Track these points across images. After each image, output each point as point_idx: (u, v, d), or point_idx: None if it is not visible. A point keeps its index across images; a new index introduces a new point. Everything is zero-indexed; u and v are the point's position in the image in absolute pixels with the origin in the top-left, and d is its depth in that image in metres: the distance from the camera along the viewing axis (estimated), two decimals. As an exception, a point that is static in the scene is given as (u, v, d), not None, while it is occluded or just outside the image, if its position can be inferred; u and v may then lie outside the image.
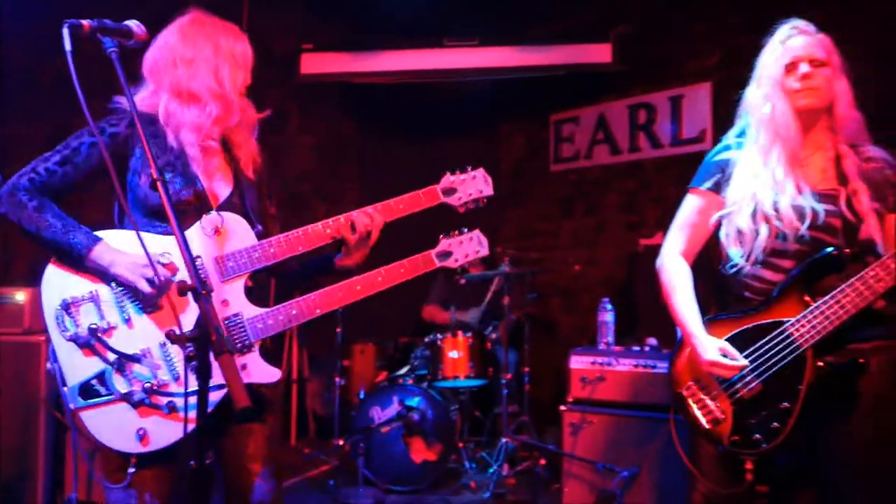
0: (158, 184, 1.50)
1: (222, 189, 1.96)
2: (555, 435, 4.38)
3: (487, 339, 4.62)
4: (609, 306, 3.73)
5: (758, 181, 2.07)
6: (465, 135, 6.44)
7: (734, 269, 2.14)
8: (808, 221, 2.01)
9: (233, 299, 1.84)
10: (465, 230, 2.11)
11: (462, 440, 4.53)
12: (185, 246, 1.45)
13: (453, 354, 4.38)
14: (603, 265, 5.66)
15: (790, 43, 2.09)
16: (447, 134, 6.36)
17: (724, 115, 5.28)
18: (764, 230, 2.04)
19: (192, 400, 1.40)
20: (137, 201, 1.84)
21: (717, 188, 2.17)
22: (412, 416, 4.18)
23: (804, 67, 2.04)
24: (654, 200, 5.42)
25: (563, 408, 3.53)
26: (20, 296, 3.91)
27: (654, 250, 5.11)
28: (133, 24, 1.76)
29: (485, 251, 2.10)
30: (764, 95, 2.11)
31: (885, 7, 4.14)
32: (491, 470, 4.33)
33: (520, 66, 5.47)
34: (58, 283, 1.77)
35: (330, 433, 4.70)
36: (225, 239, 1.85)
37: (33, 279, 4.29)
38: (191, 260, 1.44)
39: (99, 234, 1.80)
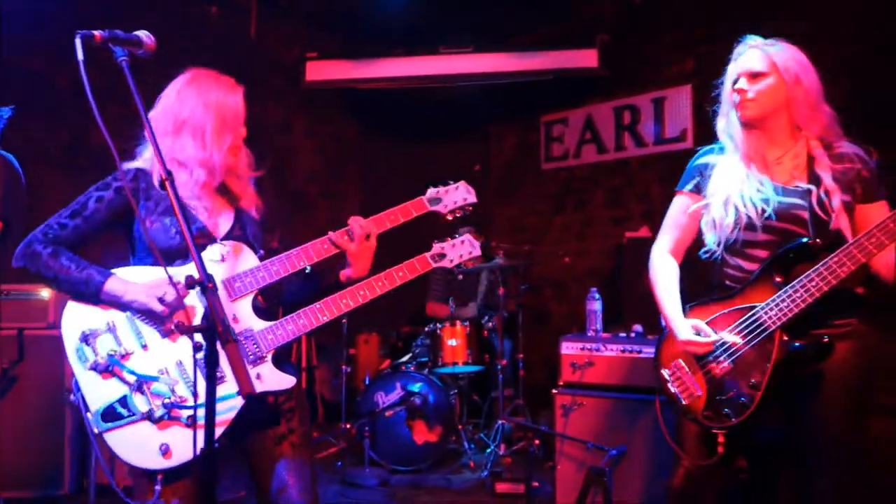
0: (167, 183, 1.48)
1: (224, 225, 1.97)
2: (548, 416, 4.37)
3: (484, 328, 4.61)
4: (597, 296, 3.71)
5: (729, 178, 2.12)
6: (460, 136, 6.43)
7: (707, 255, 2.21)
8: (771, 211, 2.04)
9: (242, 316, 1.85)
10: (458, 234, 2.14)
11: (461, 422, 4.52)
12: (191, 239, 1.43)
13: (452, 342, 4.37)
14: (591, 257, 5.65)
15: (739, 60, 2.14)
16: (443, 136, 6.35)
17: (704, 115, 5.30)
18: (731, 216, 2.08)
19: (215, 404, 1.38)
20: (146, 246, 1.86)
21: (698, 189, 2.22)
22: (414, 400, 4.17)
23: (741, 83, 2.10)
24: (638, 196, 5.40)
25: (554, 391, 3.51)
26: (45, 293, 3.90)
27: (639, 242, 5.14)
28: (143, 34, 1.74)
29: (477, 252, 2.11)
30: (722, 110, 2.21)
31: (842, 19, 4.14)
32: (488, 450, 4.32)
33: (512, 71, 5.45)
34: (76, 318, 1.79)
35: (337, 417, 4.69)
36: (231, 264, 1.87)
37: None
38: (197, 254, 1.42)
39: (109, 271, 1.82)
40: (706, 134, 2.32)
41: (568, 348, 3.56)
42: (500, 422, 4.35)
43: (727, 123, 2.17)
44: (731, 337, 2.05)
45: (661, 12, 5.19)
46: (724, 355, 2.05)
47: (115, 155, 1.56)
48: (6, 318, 3.60)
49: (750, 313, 2.03)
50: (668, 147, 5.18)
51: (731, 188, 2.10)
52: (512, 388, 4.81)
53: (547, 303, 5.90)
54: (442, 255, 2.08)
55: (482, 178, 6.01)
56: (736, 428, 2.03)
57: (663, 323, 2.21)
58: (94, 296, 1.77)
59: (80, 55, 1.60)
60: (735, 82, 2.12)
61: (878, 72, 3.96)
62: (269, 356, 1.84)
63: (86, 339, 1.76)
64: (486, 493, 3.86)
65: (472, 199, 2.15)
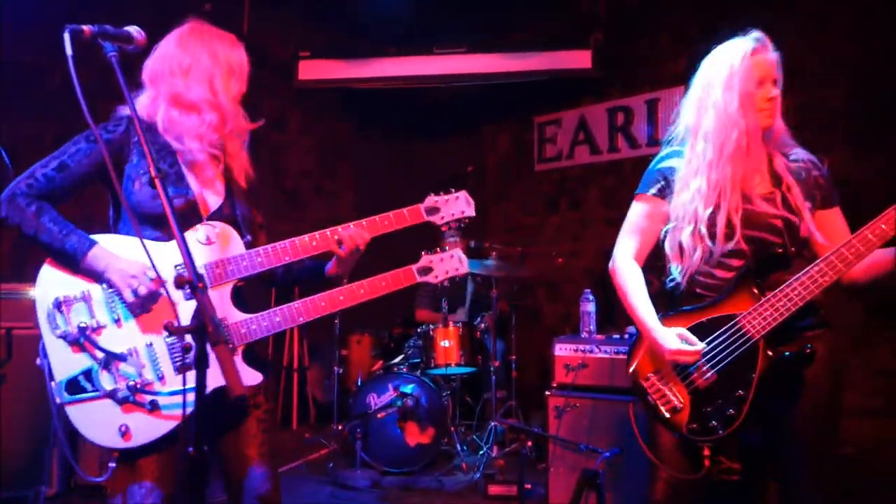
0: (157, 181, 1.45)
1: (214, 198, 1.92)
2: (540, 418, 4.34)
3: (476, 329, 4.59)
4: (591, 297, 3.70)
5: (694, 199, 2.04)
6: (453, 136, 6.42)
7: (672, 284, 2.14)
8: (745, 226, 2.01)
9: (219, 304, 1.80)
10: (447, 248, 2.09)
11: (453, 424, 4.49)
12: (182, 242, 1.41)
13: (445, 343, 4.34)
14: (585, 258, 5.64)
15: (758, 59, 2.03)
16: (437, 135, 6.34)
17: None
18: (698, 252, 2.04)
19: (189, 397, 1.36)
20: (130, 207, 1.79)
21: (662, 194, 2.15)
22: (407, 401, 4.15)
23: (773, 91, 2.03)
24: (631, 198, 5.39)
25: (548, 393, 3.50)
26: (33, 292, 3.85)
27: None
28: (133, 29, 1.72)
29: (464, 269, 2.06)
30: (701, 104, 2.08)
31: (839, 18, 4.14)
32: (481, 452, 4.30)
33: (505, 72, 5.43)
34: (52, 282, 1.73)
35: (329, 418, 4.66)
36: (216, 248, 1.82)
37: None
38: (188, 255, 1.40)
39: (94, 237, 1.75)
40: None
41: (561, 350, 3.54)
42: (492, 423, 4.33)
43: (710, 122, 2.03)
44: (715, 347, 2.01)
45: (654, 13, 5.19)
46: (708, 366, 2.00)
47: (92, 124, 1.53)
48: (-5, 318, 3.56)
49: (731, 323, 1.99)
50: (659, 149, 5.17)
51: (697, 214, 2.03)
52: (504, 390, 4.79)
53: (540, 303, 5.89)
54: (428, 269, 2.03)
55: (476, 178, 5.99)
56: (722, 440, 1.99)
57: (635, 331, 2.16)
58: (73, 263, 1.71)
59: (68, 50, 1.58)
60: (760, 84, 2.01)
61: (876, 73, 3.96)
62: (240, 350, 1.80)
63: (59, 305, 1.70)
64: (479, 495, 3.83)
65: (471, 212, 2.09)
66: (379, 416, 4.17)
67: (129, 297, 1.68)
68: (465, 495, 3.89)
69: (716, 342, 2.00)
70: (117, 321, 1.73)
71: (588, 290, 3.73)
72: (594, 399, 3.40)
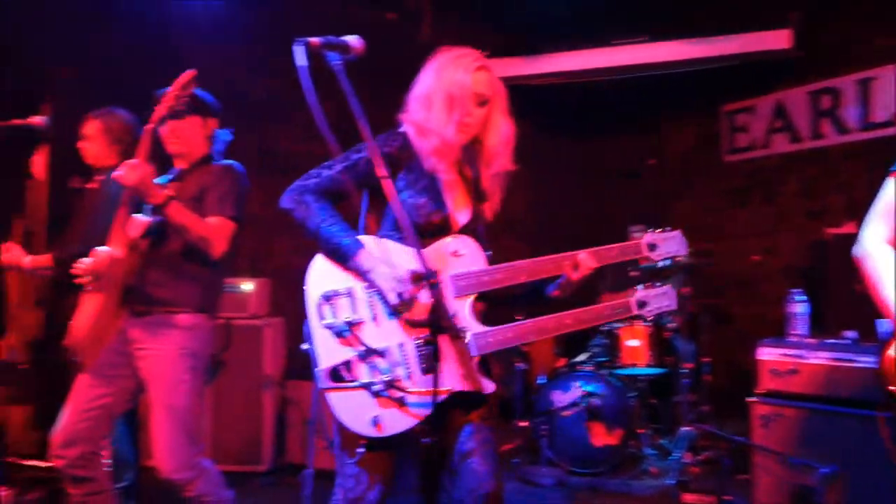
0: (384, 181, 1.52)
1: (463, 216, 2.02)
2: (736, 425, 4.05)
3: (665, 329, 4.37)
4: (801, 297, 3.37)
5: None
6: (632, 129, 6.17)
7: None
8: None
9: (462, 315, 1.87)
10: (659, 284, 2.14)
11: (640, 427, 4.32)
12: (416, 242, 1.45)
13: (632, 343, 4.18)
14: (783, 254, 5.18)
15: None
16: (615, 129, 6.13)
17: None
18: None
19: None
20: (394, 219, 1.92)
21: None
22: (593, 401, 4.04)
23: None
24: (839, 187, 4.87)
25: (752, 399, 3.24)
26: (246, 285, 4.22)
27: (844, 240, 4.60)
28: (351, 38, 1.79)
29: (674, 306, 2.12)
30: None
31: None
32: (671, 457, 4.09)
33: (691, 59, 5.11)
34: (322, 275, 1.86)
35: (509, 413, 4.66)
36: (461, 260, 1.91)
37: (255, 271, 4.56)
38: (418, 252, 1.44)
39: (361, 239, 1.87)
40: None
41: (767, 354, 3.27)
42: (685, 428, 4.09)
43: None
44: None
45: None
46: None
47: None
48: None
49: None
50: (874, 133, 4.63)
51: None
52: (694, 393, 4.52)
53: (731, 304, 5.49)
54: (644, 304, 2.08)
55: (656, 172, 5.70)
56: None
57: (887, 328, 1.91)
58: (343, 260, 1.84)
59: (302, 61, 1.68)
60: None
61: None
62: (475, 359, 1.84)
63: (328, 298, 1.82)
64: (672, 502, 3.64)
65: (685, 251, 2.15)
66: (564, 414, 4.10)
67: (394, 300, 1.77)
68: (657, 501, 3.71)
69: None
70: (375, 318, 1.83)
71: (798, 290, 3.40)
72: (807, 409, 3.10)
